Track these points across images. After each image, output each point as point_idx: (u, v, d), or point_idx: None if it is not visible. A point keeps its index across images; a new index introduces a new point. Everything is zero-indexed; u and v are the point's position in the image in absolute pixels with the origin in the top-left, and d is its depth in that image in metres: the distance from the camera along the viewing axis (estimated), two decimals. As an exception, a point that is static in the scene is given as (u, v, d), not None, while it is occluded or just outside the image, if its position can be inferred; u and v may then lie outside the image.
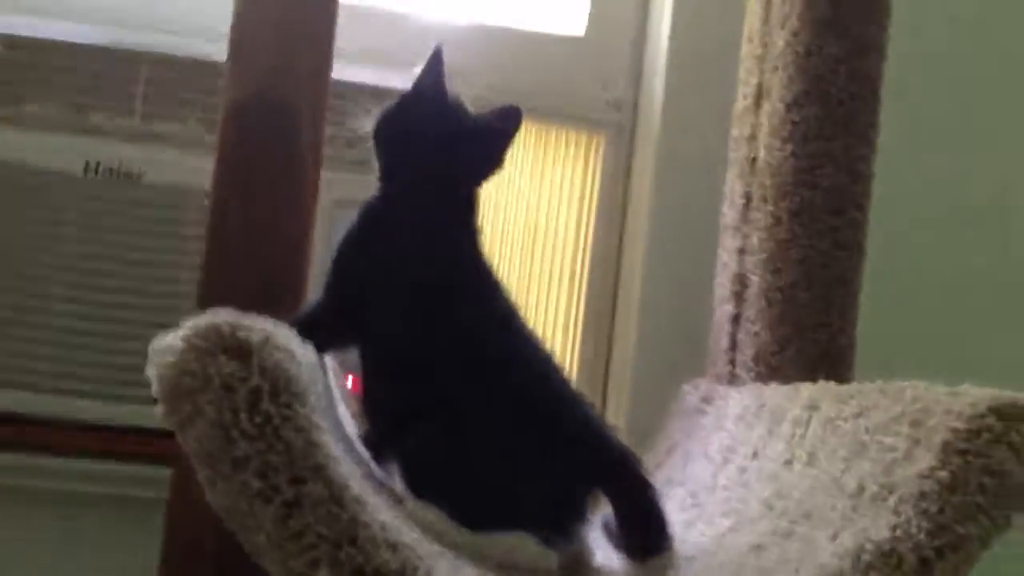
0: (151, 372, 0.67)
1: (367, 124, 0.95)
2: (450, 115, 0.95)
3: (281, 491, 0.64)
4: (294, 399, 0.66)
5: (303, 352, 0.73)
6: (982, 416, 0.70)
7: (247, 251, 1.06)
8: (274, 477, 0.64)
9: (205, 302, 1.06)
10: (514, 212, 1.47)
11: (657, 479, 1.10)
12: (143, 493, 1.21)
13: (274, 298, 1.05)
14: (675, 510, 0.99)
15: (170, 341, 0.67)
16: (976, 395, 0.72)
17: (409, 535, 0.70)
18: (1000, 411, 0.70)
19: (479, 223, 0.95)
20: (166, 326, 1.28)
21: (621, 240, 1.48)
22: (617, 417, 1.39)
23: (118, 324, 1.26)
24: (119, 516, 1.27)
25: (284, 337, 0.69)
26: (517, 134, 0.95)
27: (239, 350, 0.65)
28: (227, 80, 1.06)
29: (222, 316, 0.66)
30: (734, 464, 0.99)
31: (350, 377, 1.07)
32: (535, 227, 1.48)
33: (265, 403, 0.65)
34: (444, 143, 0.93)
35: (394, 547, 0.66)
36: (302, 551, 0.65)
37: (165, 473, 1.07)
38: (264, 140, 1.06)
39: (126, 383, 1.24)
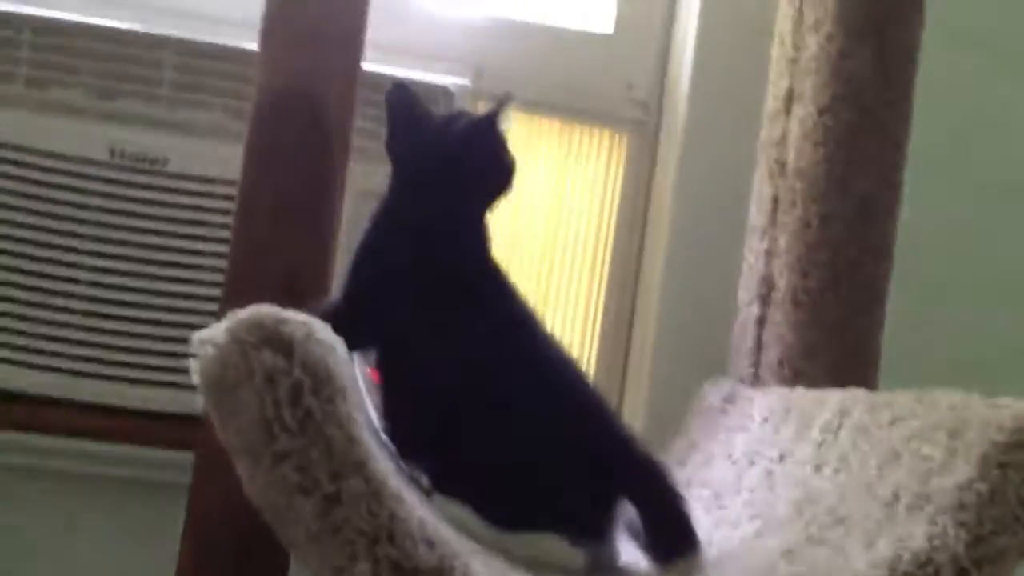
0: (192, 364, 0.67)
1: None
2: (453, 122, 0.95)
3: (321, 486, 0.64)
4: (336, 394, 0.66)
5: (340, 347, 0.73)
6: (1022, 429, 0.70)
7: (274, 241, 1.06)
8: (315, 472, 0.64)
9: (232, 291, 1.06)
10: (536, 211, 1.47)
11: (678, 479, 1.10)
12: (164, 478, 1.21)
13: (300, 289, 1.05)
14: (698, 511, 0.99)
15: (213, 333, 0.66)
16: (1016, 407, 0.72)
17: (445, 532, 0.70)
18: (1041, 423, 0.70)
19: (490, 229, 0.95)
20: (190, 315, 1.27)
21: (642, 240, 1.48)
22: (635, 419, 1.39)
23: (141, 311, 1.26)
24: (143, 500, 1.27)
25: (324, 332, 0.69)
26: (506, 117, 0.95)
27: (282, 344, 0.65)
28: (258, 69, 1.06)
29: (264, 310, 0.66)
30: (760, 467, 0.99)
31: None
32: (557, 226, 1.48)
33: (307, 398, 0.64)
34: (451, 152, 0.93)
35: (431, 544, 0.66)
36: (341, 546, 0.64)
37: (187, 458, 1.08)
38: (294, 130, 1.06)
39: (148, 368, 1.25)
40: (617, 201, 1.48)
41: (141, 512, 1.29)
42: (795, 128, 1.13)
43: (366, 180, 1.30)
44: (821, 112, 1.10)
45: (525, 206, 1.46)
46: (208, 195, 1.29)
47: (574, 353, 0.93)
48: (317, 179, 1.07)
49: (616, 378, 1.47)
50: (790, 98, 1.15)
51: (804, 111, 1.12)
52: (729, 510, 0.97)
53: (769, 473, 0.97)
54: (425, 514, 0.70)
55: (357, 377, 0.86)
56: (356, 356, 0.99)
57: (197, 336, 0.68)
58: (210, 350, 0.65)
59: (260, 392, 0.64)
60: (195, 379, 0.67)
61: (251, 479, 0.66)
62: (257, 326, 0.65)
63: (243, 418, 0.65)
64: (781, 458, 0.96)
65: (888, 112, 1.08)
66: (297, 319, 0.67)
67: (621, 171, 1.48)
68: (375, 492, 0.65)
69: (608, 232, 1.48)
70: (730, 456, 1.06)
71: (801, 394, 1.01)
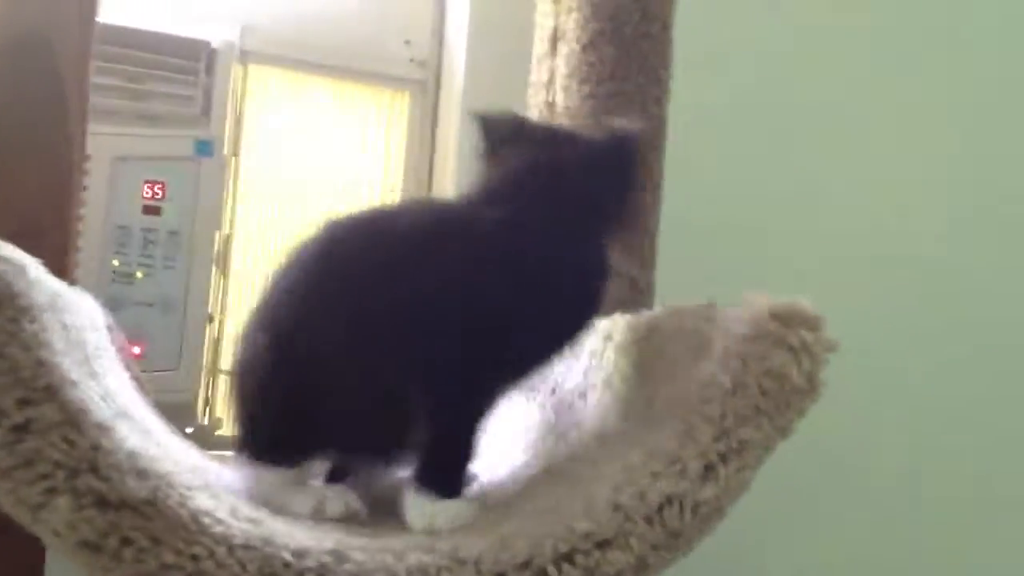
0: None
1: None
2: None
3: (7, 414, 0.58)
4: (20, 313, 0.59)
5: (43, 274, 0.66)
6: (761, 321, 0.69)
7: (4, 208, 0.98)
8: (-2, 399, 0.58)
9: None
10: (319, 174, 1.42)
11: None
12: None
13: (38, 253, 0.97)
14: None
15: None
16: (756, 302, 0.71)
17: (165, 464, 0.64)
18: (779, 315, 0.69)
19: None
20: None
21: (429, 195, 1.44)
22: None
23: None
24: None
25: (14, 251, 0.62)
26: None
27: (-45, 260, 0.58)
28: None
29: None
30: (534, 403, 0.97)
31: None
32: (342, 189, 1.43)
33: (-15, 317, 0.58)
34: None
35: (143, 474, 0.60)
36: (35, 480, 0.58)
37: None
38: (21, 85, 0.99)
39: None
40: (402, 159, 1.44)
41: None
42: (561, 67, 1.12)
43: (118, 144, 1.23)
44: (584, 49, 1.09)
45: (307, 169, 1.41)
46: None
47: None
48: (49, 136, 0.99)
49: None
50: (555, 38, 1.14)
51: (568, 49, 1.11)
52: (501, 446, 0.94)
53: (542, 407, 0.95)
54: (141, 446, 0.64)
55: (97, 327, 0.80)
56: (109, 320, 0.92)
57: None
58: None
59: (-71, 313, 0.57)
60: None
61: (-74, 415, 0.58)
62: (-75, 241, 0.58)
63: (-89, 344, 0.57)
64: (553, 391, 0.94)
65: (648, 46, 1.08)
66: (-25, 234, 0.60)
67: (404, 128, 1.44)
68: (73, 420, 0.59)
69: (394, 189, 1.44)
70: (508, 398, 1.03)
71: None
